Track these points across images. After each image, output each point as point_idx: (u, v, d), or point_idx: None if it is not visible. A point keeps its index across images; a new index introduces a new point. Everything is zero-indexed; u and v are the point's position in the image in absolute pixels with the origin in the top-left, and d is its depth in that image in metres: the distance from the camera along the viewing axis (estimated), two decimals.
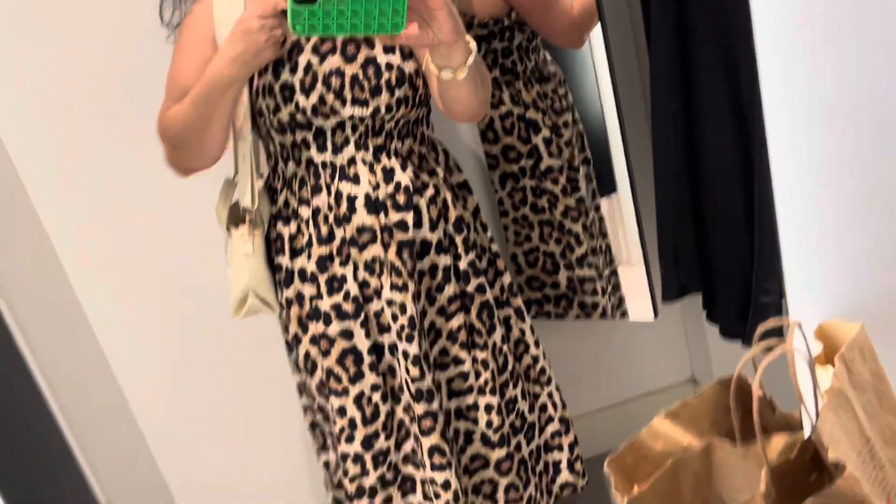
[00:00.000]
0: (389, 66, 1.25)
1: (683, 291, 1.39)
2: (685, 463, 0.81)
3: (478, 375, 1.38)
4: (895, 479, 0.85)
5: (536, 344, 1.47)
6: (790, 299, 0.83)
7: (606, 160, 1.67)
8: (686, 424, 0.85)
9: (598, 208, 1.73)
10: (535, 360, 1.47)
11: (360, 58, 1.24)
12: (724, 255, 1.22)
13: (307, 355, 1.36)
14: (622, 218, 1.74)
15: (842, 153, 0.83)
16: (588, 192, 1.71)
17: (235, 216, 1.35)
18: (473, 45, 1.14)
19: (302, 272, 1.33)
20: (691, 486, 0.81)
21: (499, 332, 1.40)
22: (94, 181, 1.62)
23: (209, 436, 1.83)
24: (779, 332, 0.76)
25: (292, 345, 1.38)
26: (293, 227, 1.32)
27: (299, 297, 1.34)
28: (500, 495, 1.44)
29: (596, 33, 1.50)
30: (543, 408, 1.50)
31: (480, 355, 1.37)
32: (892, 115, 0.83)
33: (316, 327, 1.32)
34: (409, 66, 1.26)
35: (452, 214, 1.35)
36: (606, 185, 1.72)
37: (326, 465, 1.46)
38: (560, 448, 1.52)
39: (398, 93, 1.25)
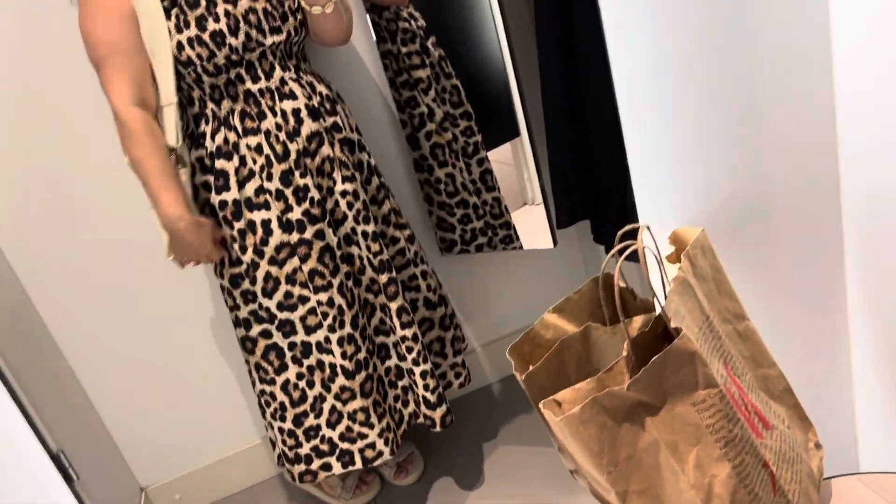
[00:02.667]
0: None
1: (574, 218, 1.60)
2: (568, 344, 1.02)
3: (408, 250, 1.66)
4: (730, 349, 1.09)
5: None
6: (639, 210, 1.03)
7: (508, 107, 1.83)
8: (569, 316, 1.06)
9: (447, 164, 1.84)
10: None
11: None
12: (604, 183, 1.43)
13: (268, 276, 1.50)
14: (525, 161, 1.92)
15: (679, 96, 1.03)
16: (471, 145, 1.82)
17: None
18: None
19: (254, 197, 1.46)
20: (574, 362, 1.02)
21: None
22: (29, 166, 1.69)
23: (153, 393, 1.95)
24: (628, 234, 0.97)
25: (246, 273, 1.50)
26: (236, 160, 1.45)
27: (251, 225, 1.48)
28: (448, 349, 1.75)
29: None
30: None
31: (406, 233, 1.66)
32: (715, 52, 1.04)
33: (293, 237, 1.48)
34: None
35: (353, 123, 1.60)
36: (510, 130, 1.88)
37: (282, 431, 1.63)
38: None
39: (298, 16, 1.47)
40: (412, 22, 1.72)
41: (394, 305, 1.59)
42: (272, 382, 1.57)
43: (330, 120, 1.52)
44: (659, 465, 0.91)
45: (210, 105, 1.44)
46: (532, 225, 1.99)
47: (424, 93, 1.74)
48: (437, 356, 1.76)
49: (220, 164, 1.46)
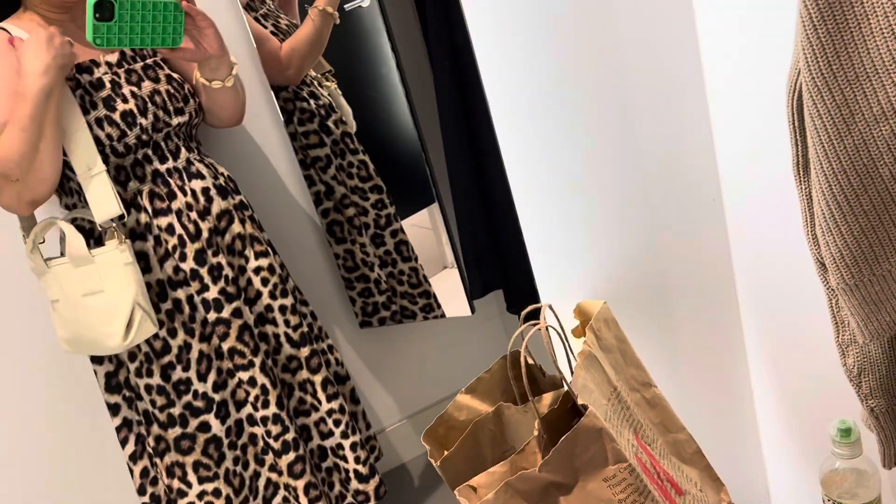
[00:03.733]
0: (182, 81, 1.48)
1: (487, 289, 1.62)
2: (482, 425, 1.02)
3: (313, 326, 1.65)
4: (640, 417, 1.11)
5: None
6: (539, 288, 1.06)
7: (423, 174, 1.86)
8: (482, 396, 1.07)
9: (345, 240, 1.87)
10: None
11: (163, 76, 1.45)
12: (511, 255, 1.46)
13: (200, 355, 1.45)
14: (441, 226, 1.95)
15: (567, 168, 1.07)
16: (383, 218, 1.84)
17: (89, 237, 1.39)
18: (235, 59, 1.43)
19: (174, 276, 1.43)
20: (489, 442, 1.02)
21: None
22: None
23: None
24: (533, 313, 0.99)
25: (178, 359, 1.44)
26: (151, 241, 1.42)
27: (177, 303, 1.44)
28: (361, 422, 1.74)
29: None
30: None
31: (307, 309, 1.65)
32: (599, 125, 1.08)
33: (210, 315, 1.45)
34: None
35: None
36: (426, 195, 1.91)
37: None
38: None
39: (196, 99, 1.50)
40: (311, 101, 1.74)
41: (318, 378, 1.57)
42: (215, 478, 1.50)
43: (237, 198, 1.53)
44: None
45: (115, 187, 1.41)
46: (451, 291, 2.01)
47: (322, 171, 1.76)
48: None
49: (137, 245, 1.42)
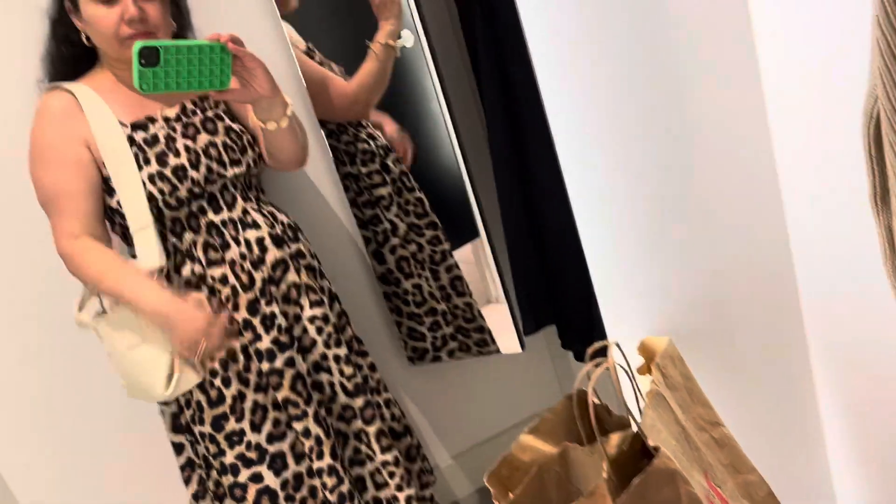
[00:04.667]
0: (242, 130, 1.48)
1: (540, 325, 1.60)
2: (547, 467, 1.00)
3: (371, 378, 1.61)
4: (710, 458, 1.08)
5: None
6: (606, 325, 1.04)
7: (467, 209, 1.86)
8: (546, 436, 1.04)
9: (413, 275, 1.85)
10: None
11: (221, 128, 1.45)
12: (567, 291, 1.44)
13: (255, 405, 1.45)
14: (486, 260, 1.94)
15: (632, 205, 1.06)
16: (438, 254, 1.83)
17: None
18: (289, 98, 1.40)
19: (228, 326, 1.42)
20: (554, 485, 1.00)
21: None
22: None
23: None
24: (599, 351, 0.97)
25: (232, 410, 1.43)
26: (205, 291, 1.43)
27: (232, 354, 1.43)
28: (415, 481, 1.68)
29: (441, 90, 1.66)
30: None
31: (367, 360, 1.62)
32: (664, 170, 1.07)
33: (263, 365, 1.44)
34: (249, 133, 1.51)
35: (312, 249, 1.59)
36: (470, 231, 1.91)
37: None
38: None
39: (257, 149, 1.49)
40: (371, 142, 1.75)
41: (372, 429, 1.54)
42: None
43: (294, 247, 1.51)
44: None
45: (171, 239, 1.44)
46: (497, 325, 1.99)
47: (386, 209, 1.76)
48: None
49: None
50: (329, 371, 1.51)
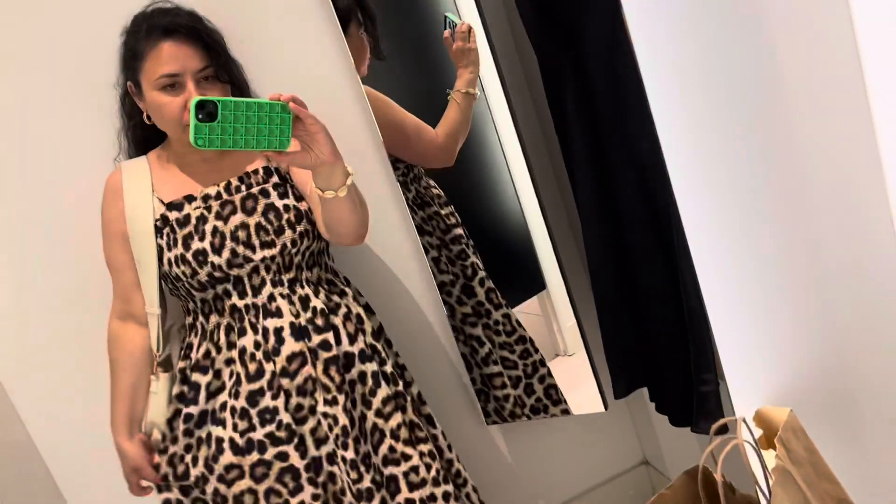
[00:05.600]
0: (287, 208, 1.43)
1: (631, 388, 1.55)
2: None
3: (428, 468, 1.50)
4: None
5: (449, 448, 1.61)
6: (734, 396, 0.99)
7: (532, 260, 1.84)
8: None
9: (502, 305, 1.85)
10: (451, 461, 1.61)
11: (260, 207, 1.42)
12: (665, 354, 1.40)
13: (216, 491, 1.43)
14: (554, 313, 1.90)
15: (757, 264, 1.02)
16: (485, 295, 1.84)
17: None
18: (351, 168, 1.32)
19: (219, 412, 1.42)
20: None
21: (438, 426, 1.58)
22: None
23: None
24: (723, 426, 0.92)
25: (196, 485, 1.44)
26: (210, 374, 1.43)
27: (208, 438, 1.43)
28: None
29: (508, 137, 1.65)
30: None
31: (424, 448, 1.50)
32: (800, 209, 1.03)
33: (250, 458, 1.41)
34: (303, 205, 1.45)
35: (368, 326, 1.51)
36: (536, 282, 1.88)
37: None
38: None
39: (299, 227, 1.42)
40: (437, 188, 1.80)
41: None
42: None
43: (318, 338, 1.44)
44: None
45: (200, 318, 1.45)
46: (570, 382, 1.94)
47: (468, 246, 1.76)
48: None
49: (195, 377, 1.44)
50: (339, 467, 1.46)
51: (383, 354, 1.51)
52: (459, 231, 1.79)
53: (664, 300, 1.35)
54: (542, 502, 2.09)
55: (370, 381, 1.47)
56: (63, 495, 1.76)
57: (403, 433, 1.48)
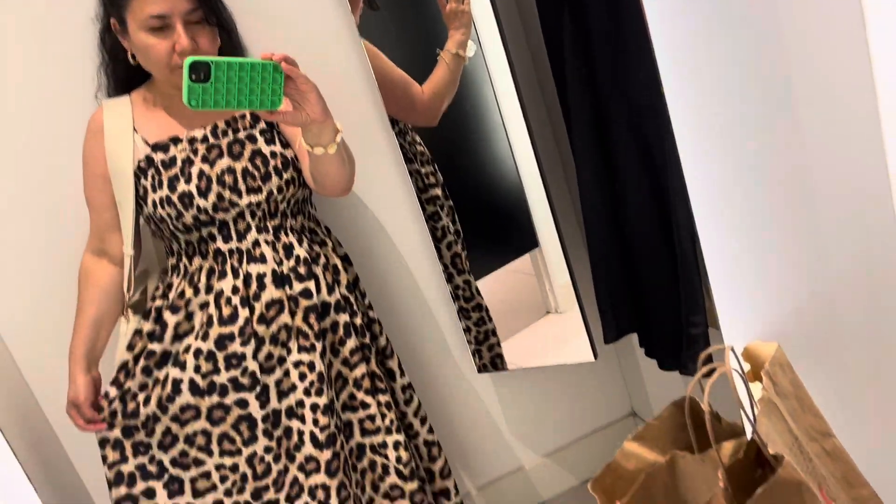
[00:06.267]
0: (274, 154, 1.43)
1: (622, 333, 1.57)
2: (654, 476, 0.96)
3: (383, 417, 1.54)
4: (822, 470, 1.03)
5: (407, 402, 1.64)
6: (723, 328, 1.00)
7: (526, 219, 1.84)
8: (651, 444, 1.01)
9: (465, 272, 1.88)
10: (405, 414, 1.64)
11: (247, 153, 1.42)
12: (655, 296, 1.41)
13: (167, 430, 1.45)
14: (546, 270, 1.91)
15: (749, 203, 1.02)
16: (450, 259, 1.86)
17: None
18: (340, 125, 1.33)
19: (181, 354, 1.43)
20: (662, 495, 0.96)
21: (398, 380, 1.61)
22: None
23: None
24: (708, 357, 0.93)
25: (144, 425, 1.45)
26: (181, 315, 1.44)
27: (165, 379, 1.44)
28: None
29: (507, 95, 1.64)
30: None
31: (383, 399, 1.54)
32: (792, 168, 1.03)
33: (210, 400, 1.44)
34: (289, 152, 1.45)
35: (344, 278, 1.53)
36: (528, 241, 1.88)
37: None
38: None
39: (286, 175, 1.43)
40: (423, 146, 1.79)
41: (334, 483, 1.46)
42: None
43: (299, 287, 1.45)
44: None
45: (183, 260, 1.46)
46: (561, 337, 1.96)
47: (441, 208, 1.76)
48: None
49: (166, 315, 1.45)
50: (302, 419, 1.46)
51: (355, 306, 1.53)
52: (437, 192, 1.80)
53: (656, 243, 1.36)
54: (530, 451, 2.12)
55: (341, 331, 1.50)
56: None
57: (366, 383, 1.52)
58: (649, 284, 1.41)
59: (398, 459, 1.53)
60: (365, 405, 1.52)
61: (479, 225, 1.86)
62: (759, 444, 0.89)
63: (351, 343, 1.50)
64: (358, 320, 1.53)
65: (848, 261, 1.08)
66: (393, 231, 1.86)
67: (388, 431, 1.53)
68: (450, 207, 1.83)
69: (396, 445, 1.53)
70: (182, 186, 1.39)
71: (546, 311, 1.98)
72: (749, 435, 0.94)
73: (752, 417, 0.95)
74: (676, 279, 1.33)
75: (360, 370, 1.51)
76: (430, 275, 1.90)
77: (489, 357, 1.91)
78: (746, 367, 1.07)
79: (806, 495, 0.84)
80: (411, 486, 1.56)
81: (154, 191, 1.40)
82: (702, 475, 0.96)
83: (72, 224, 1.59)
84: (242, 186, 1.40)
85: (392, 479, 1.55)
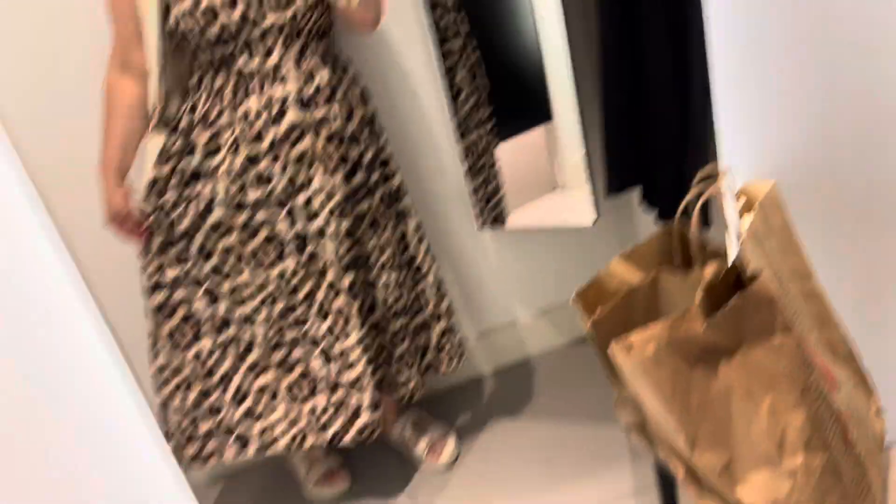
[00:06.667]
0: None
1: (624, 185, 1.58)
2: (637, 291, 1.01)
3: (381, 252, 1.59)
4: (797, 306, 1.07)
5: (420, 241, 1.67)
6: (722, 157, 1.01)
7: (542, 90, 1.81)
8: (637, 264, 1.05)
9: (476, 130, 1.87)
10: (414, 256, 1.67)
11: None
12: (662, 142, 1.41)
13: (202, 248, 1.51)
14: (556, 145, 1.90)
15: (763, 47, 1.02)
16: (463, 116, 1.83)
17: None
18: None
19: (212, 171, 1.46)
20: (642, 308, 1.01)
21: (410, 221, 1.64)
22: None
23: None
24: (707, 176, 0.95)
25: (181, 238, 1.50)
26: (209, 132, 1.45)
27: (198, 196, 1.48)
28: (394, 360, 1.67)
29: None
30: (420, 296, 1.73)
31: (383, 236, 1.59)
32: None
33: (240, 218, 1.48)
34: None
35: (360, 111, 1.53)
36: (542, 114, 1.87)
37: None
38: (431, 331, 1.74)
39: None
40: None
41: (355, 304, 1.52)
42: (188, 347, 1.56)
43: (319, 112, 1.46)
44: (730, 412, 0.90)
45: (208, 76, 1.45)
46: (566, 206, 1.98)
47: (456, 64, 1.75)
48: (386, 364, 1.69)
49: (195, 133, 1.46)
50: (325, 245, 1.51)
51: (368, 142, 1.55)
52: (458, 43, 1.74)
53: (669, 89, 1.35)
54: (523, 307, 2.19)
55: (350, 164, 1.52)
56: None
57: (367, 218, 1.56)
58: (657, 130, 1.41)
59: (385, 299, 1.61)
60: (362, 241, 1.57)
61: (496, 89, 1.83)
62: (740, 266, 0.93)
63: (360, 177, 1.53)
64: (367, 156, 1.55)
65: (852, 108, 1.08)
66: (409, 80, 1.84)
67: (382, 268, 1.59)
68: (470, 64, 1.80)
69: (386, 286, 1.60)
70: (206, 1, 1.37)
71: (552, 187, 1.99)
72: (730, 260, 0.98)
73: (736, 241, 0.98)
74: (686, 126, 1.33)
75: (364, 205, 1.55)
76: (440, 127, 1.89)
77: (491, 215, 1.94)
78: (741, 201, 1.10)
79: (776, 309, 0.88)
80: (404, 320, 1.64)
81: (176, 4, 1.38)
82: (682, 294, 1.00)
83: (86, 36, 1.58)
84: (267, 4, 1.39)
85: (377, 315, 1.61)
